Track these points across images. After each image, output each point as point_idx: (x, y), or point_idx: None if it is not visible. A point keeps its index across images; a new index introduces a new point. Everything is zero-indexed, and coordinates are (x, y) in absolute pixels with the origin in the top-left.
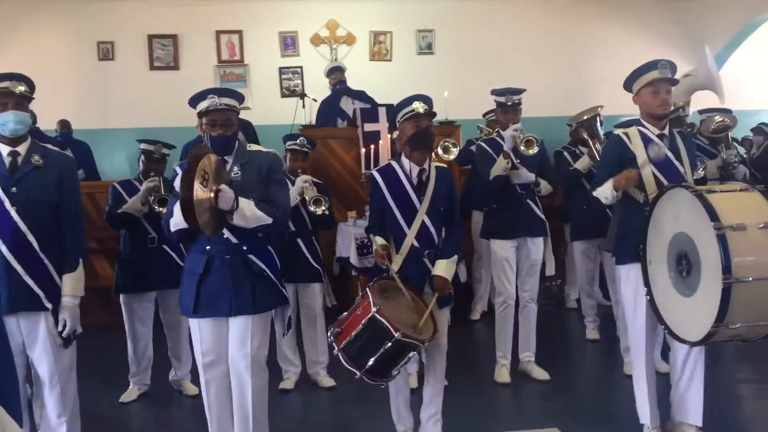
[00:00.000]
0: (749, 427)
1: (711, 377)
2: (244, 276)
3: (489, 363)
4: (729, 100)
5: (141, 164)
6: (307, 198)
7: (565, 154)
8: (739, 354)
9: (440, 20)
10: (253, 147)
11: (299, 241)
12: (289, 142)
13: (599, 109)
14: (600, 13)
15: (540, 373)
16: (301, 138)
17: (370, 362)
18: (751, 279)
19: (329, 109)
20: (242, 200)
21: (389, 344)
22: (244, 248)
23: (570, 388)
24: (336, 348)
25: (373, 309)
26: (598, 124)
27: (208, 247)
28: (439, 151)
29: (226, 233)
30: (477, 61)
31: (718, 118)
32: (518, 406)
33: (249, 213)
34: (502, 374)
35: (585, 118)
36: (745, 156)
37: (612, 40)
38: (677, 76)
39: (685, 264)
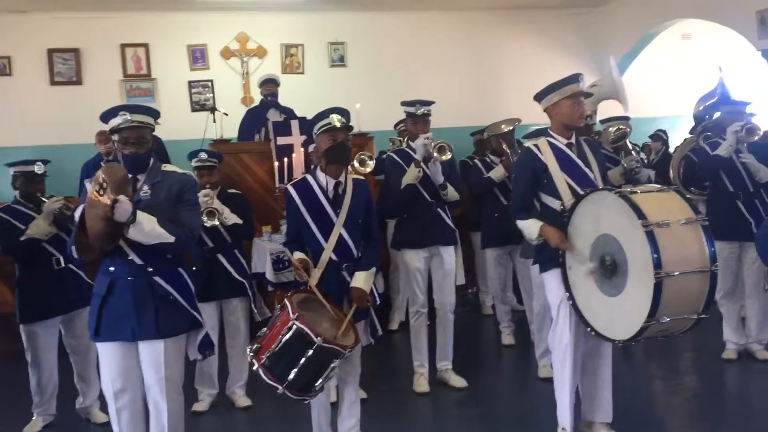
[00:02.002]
0: (657, 422)
1: (621, 375)
2: (148, 299)
3: (408, 373)
4: (630, 108)
5: (19, 186)
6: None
7: (475, 162)
8: (646, 352)
9: (352, 33)
10: (169, 167)
11: (219, 256)
12: (193, 160)
13: (517, 122)
14: (509, 26)
15: (458, 381)
16: (202, 153)
17: (292, 374)
18: (677, 273)
19: (255, 119)
20: (142, 215)
21: (311, 352)
22: (149, 270)
23: (487, 394)
24: (256, 364)
25: (293, 317)
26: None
27: (111, 269)
28: (356, 164)
29: (131, 254)
30: (389, 73)
31: (613, 128)
32: (437, 414)
33: (148, 228)
34: (421, 384)
35: (504, 129)
36: (645, 161)
37: (520, 52)
38: (585, 84)
39: (609, 265)
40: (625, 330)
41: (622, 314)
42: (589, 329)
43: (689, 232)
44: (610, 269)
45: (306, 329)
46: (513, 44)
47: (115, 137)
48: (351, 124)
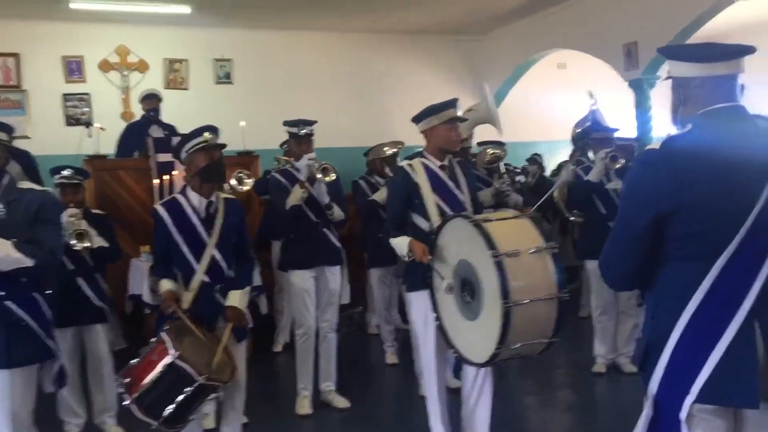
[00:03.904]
0: None
1: (498, 390)
2: None
3: (291, 395)
4: (507, 132)
5: None
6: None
7: (362, 183)
8: (523, 367)
9: (239, 50)
10: (25, 184)
11: (79, 279)
12: (56, 177)
13: (400, 146)
14: (395, 49)
15: (341, 402)
16: (68, 169)
17: (168, 410)
18: (527, 301)
19: (135, 135)
20: None
21: (190, 390)
22: (1, 294)
23: (370, 414)
24: (128, 399)
25: (173, 353)
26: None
27: None
28: (234, 182)
29: None
30: (276, 91)
31: (490, 150)
32: None
33: (2, 254)
34: (304, 406)
35: (387, 152)
36: (522, 184)
37: (406, 75)
38: (463, 109)
39: (468, 289)
40: (480, 354)
41: (478, 339)
42: (452, 351)
43: (538, 260)
44: (469, 293)
45: (188, 369)
46: (399, 67)
47: None
48: (236, 142)
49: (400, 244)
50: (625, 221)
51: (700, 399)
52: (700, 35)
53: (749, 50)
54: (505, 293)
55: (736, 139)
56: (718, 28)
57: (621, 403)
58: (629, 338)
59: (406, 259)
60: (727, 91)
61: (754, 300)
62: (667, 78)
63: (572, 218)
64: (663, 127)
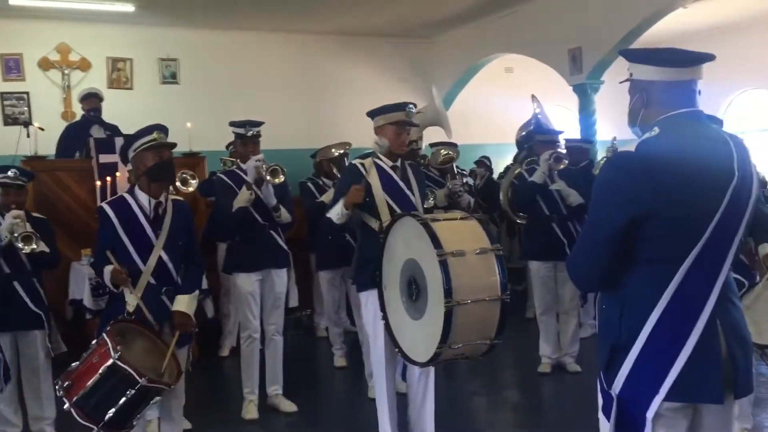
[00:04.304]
0: None
1: (446, 391)
2: None
3: (238, 400)
4: (457, 135)
5: None
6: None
7: (309, 185)
8: (471, 368)
9: (185, 50)
10: None
11: (16, 284)
12: None
13: (348, 146)
14: (343, 51)
15: (288, 406)
16: (13, 170)
17: (110, 414)
18: (469, 301)
19: (76, 136)
20: None
21: (133, 392)
22: None
23: (317, 418)
24: (67, 403)
25: (114, 355)
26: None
27: None
28: (178, 183)
29: None
30: (223, 92)
31: (443, 152)
32: None
33: None
34: (250, 410)
35: (335, 153)
36: (472, 186)
37: (355, 77)
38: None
39: (414, 288)
40: (424, 354)
41: (422, 338)
42: (397, 350)
43: (483, 261)
44: (415, 292)
45: (129, 370)
46: (347, 69)
47: None
48: (182, 143)
49: (336, 208)
50: (597, 224)
51: (669, 397)
52: (641, 42)
53: (711, 57)
54: (448, 292)
55: (701, 145)
56: (657, 35)
57: (565, 402)
58: (573, 338)
59: (342, 218)
60: (689, 96)
61: (716, 300)
62: (626, 81)
63: (519, 221)
64: (606, 131)
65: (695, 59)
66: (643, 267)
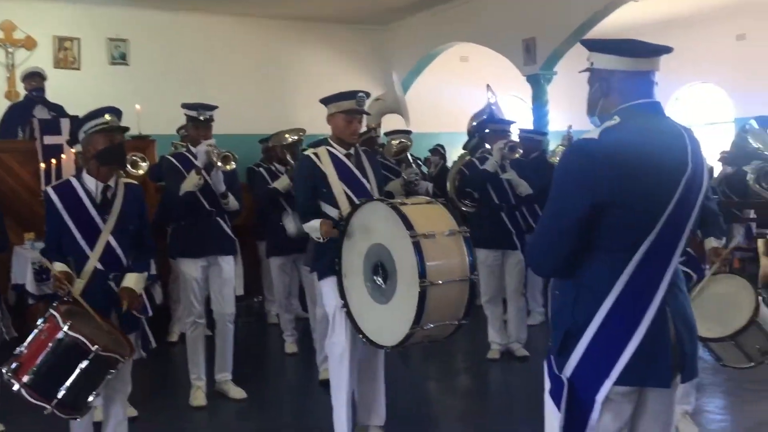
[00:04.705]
0: (430, 421)
1: (398, 378)
2: None
3: (186, 387)
4: (412, 123)
5: None
6: None
7: (261, 170)
8: (424, 354)
9: (135, 30)
10: None
11: None
12: None
13: (302, 133)
14: (299, 36)
15: (237, 392)
16: None
17: (63, 391)
18: (441, 282)
19: (19, 116)
20: None
21: (86, 363)
22: None
23: (268, 404)
24: (16, 384)
25: (64, 326)
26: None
27: None
28: (127, 166)
29: None
30: (175, 74)
31: (396, 141)
32: (214, 428)
33: None
34: (198, 397)
35: (289, 139)
36: (426, 174)
37: (312, 63)
38: (370, 99)
39: (381, 273)
40: (392, 337)
41: (390, 321)
42: (360, 336)
43: (452, 243)
44: (382, 277)
45: (81, 338)
46: (304, 55)
47: None
48: (131, 125)
49: (313, 226)
50: (559, 211)
51: (619, 381)
52: (594, 34)
53: (669, 50)
54: (422, 273)
55: (658, 136)
56: (609, 27)
57: (513, 387)
58: (520, 324)
59: (322, 240)
60: (647, 87)
61: (666, 287)
62: (587, 70)
63: (464, 208)
64: (558, 121)
65: (655, 50)
66: (599, 255)
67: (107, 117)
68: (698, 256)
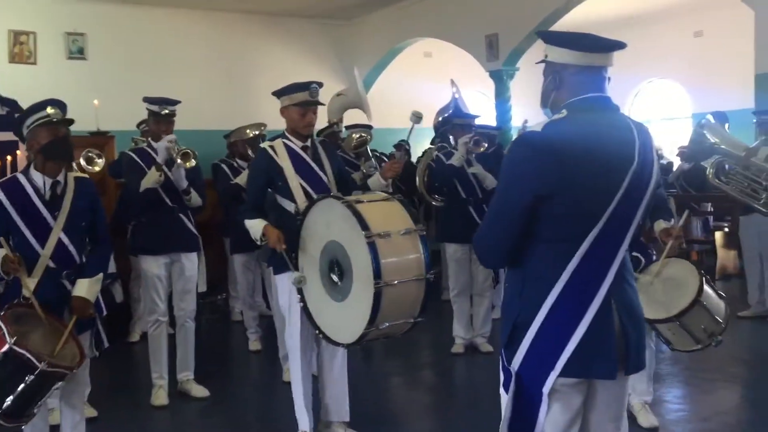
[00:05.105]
0: (394, 416)
1: (361, 374)
2: None
3: (147, 387)
4: (376, 118)
5: None
6: None
7: (224, 166)
8: (387, 349)
9: (94, 24)
10: None
11: None
12: None
13: (263, 127)
14: (261, 30)
15: (199, 391)
16: None
17: (7, 403)
18: (396, 282)
19: None
20: None
21: (32, 378)
22: None
23: (231, 402)
24: None
25: (10, 341)
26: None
27: None
28: (83, 162)
29: None
30: (135, 69)
31: (356, 135)
32: (176, 427)
33: None
34: (160, 396)
35: (249, 134)
36: None
37: (274, 57)
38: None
39: (337, 270)
40: (349, 334)
41: (346, 319)
42: (317, 332)
43: (408, 242)
44: (338, 274)
45: (27, 354)
46: (267, 49)
47: None
48: (89, 121)
49: (255, 227)
50: (504, 201)
51: (564, 373)
52: (555, 29)
53: (622, 45)
54: (377, 274)
55: (605, 129)
56: (571, 23)
57: (477, 381)
58: (485, 319)
59: (259, 242)
60: (599, 82)
61: (612, 280)
62: (542, 62)
63: (434, 203)
64: (521, 117)
65: (608, 46)
66: (544, 246)
67: (50, 110)
68: (646, 241)
